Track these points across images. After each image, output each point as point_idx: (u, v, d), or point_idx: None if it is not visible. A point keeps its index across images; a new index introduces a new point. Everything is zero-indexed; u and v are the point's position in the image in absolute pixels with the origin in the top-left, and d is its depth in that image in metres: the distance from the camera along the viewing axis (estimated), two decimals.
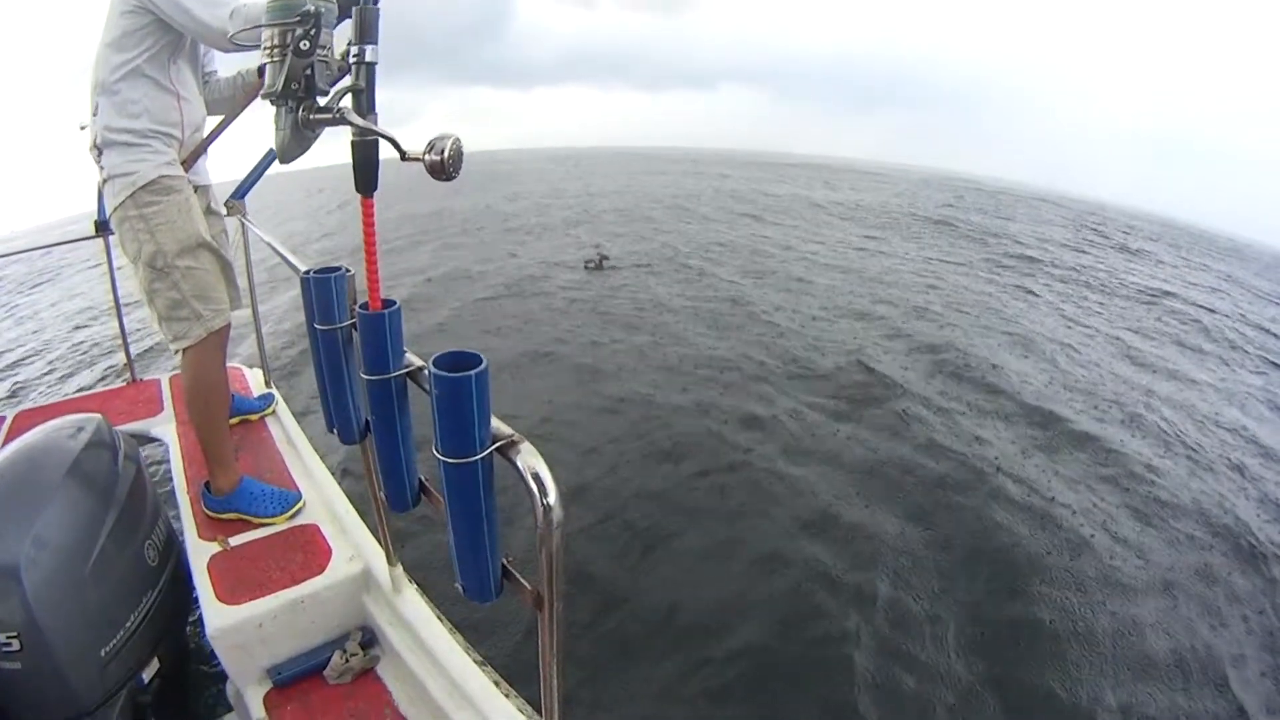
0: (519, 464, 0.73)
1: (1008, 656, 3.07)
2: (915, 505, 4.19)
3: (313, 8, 0.90)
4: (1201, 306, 12.20)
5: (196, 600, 1.53)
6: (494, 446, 0.76)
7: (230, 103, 1.87)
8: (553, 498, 0.71)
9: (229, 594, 1.50)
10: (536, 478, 0.72)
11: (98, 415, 1.60)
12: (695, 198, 22.30)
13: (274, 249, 1.57)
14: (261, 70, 1.60)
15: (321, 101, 0.95)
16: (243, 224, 2.15)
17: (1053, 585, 3.57)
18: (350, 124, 0.87)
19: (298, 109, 0.94)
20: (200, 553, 1.65)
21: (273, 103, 0.94)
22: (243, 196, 2.12)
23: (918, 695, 2.83)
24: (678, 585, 3.33)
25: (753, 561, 3.55)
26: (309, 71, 0.92)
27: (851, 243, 14.73)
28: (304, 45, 0.90)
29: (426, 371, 0.85)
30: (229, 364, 2.43)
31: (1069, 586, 3.57)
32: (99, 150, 1.62)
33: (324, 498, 1.89)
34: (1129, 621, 3.40)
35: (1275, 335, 11.07)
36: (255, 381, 2.74)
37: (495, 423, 0.78)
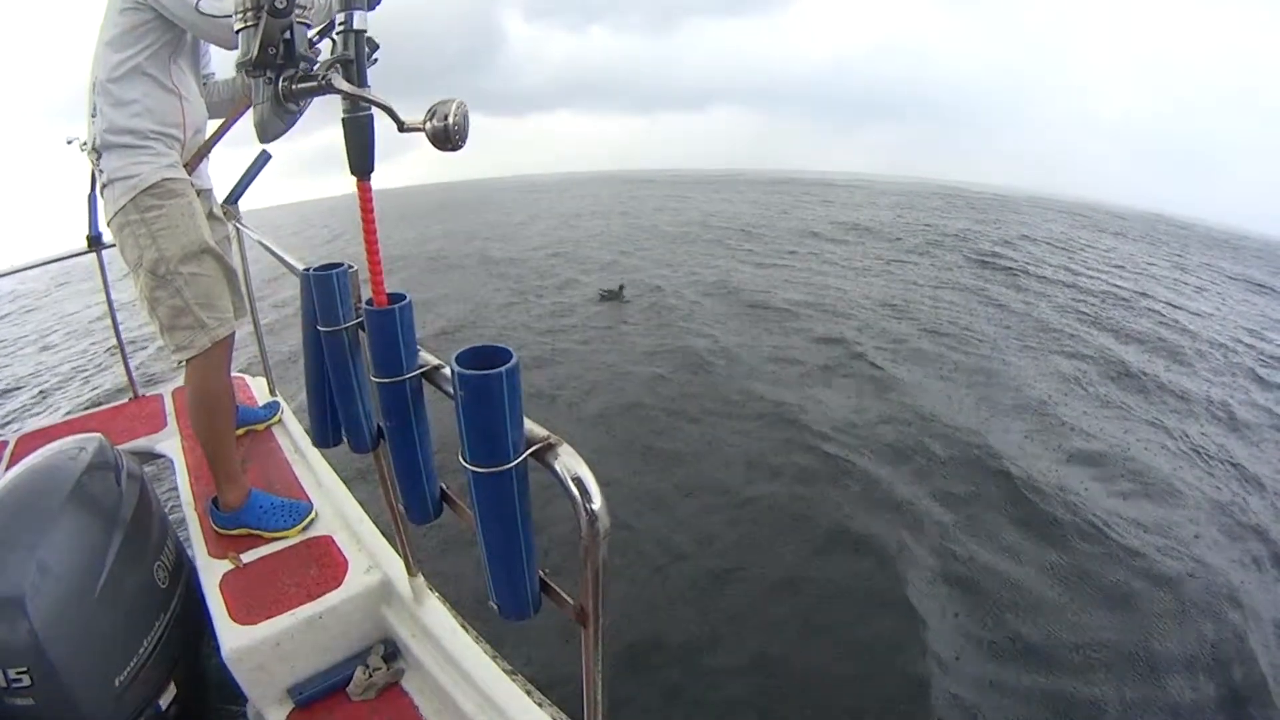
0: (558, 468, 0.68)
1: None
2: (906, 513, 4.24)
3: None
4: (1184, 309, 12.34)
5: (211, 621, 1.50)
6: (529, 451, 0.70)
7: (229, 105, 1.82)
8: (597, 503, 0.66)
9: (244, 613, 1.46)
10: (579, 482, 0.66)
11: (98, 435, 1.56)
12: (686, 223, 22.13)
13: (271, 251, 1.52)
14: None
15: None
16: (237, 228, 2.10)
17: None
18: (339, 92, 0.79)
19: (277, 79, 0.84)
20: (211, 572, 1.62)
21: (248, 74, 0.85)
22: (236, 201, 2.07)
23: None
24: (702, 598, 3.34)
25: (772, 577, 3.56)
26: (288, 35, 0.82)
27: (834, 256, 14.69)
28: (280, 3, 0.79)
29: (447, 370, 0.79)
30: (232, 373, 2.41)
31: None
32: (98, 153, 1.57)
33: (336, 507, 1.85)
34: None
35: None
36: (259, 390, 2.70)
37: (528, 423, 0.72)
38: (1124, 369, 7.68)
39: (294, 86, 0.84)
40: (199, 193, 1.75)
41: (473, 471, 0.71)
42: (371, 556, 1.62)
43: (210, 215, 1.84)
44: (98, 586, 1.29)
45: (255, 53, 0.81)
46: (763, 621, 3.19)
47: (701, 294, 10.40)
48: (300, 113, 0.89)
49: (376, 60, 1.79)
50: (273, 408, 2.41)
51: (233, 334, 1.74)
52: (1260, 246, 35.35)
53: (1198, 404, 6.91)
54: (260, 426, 2.34)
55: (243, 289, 1.91)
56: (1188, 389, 7.31)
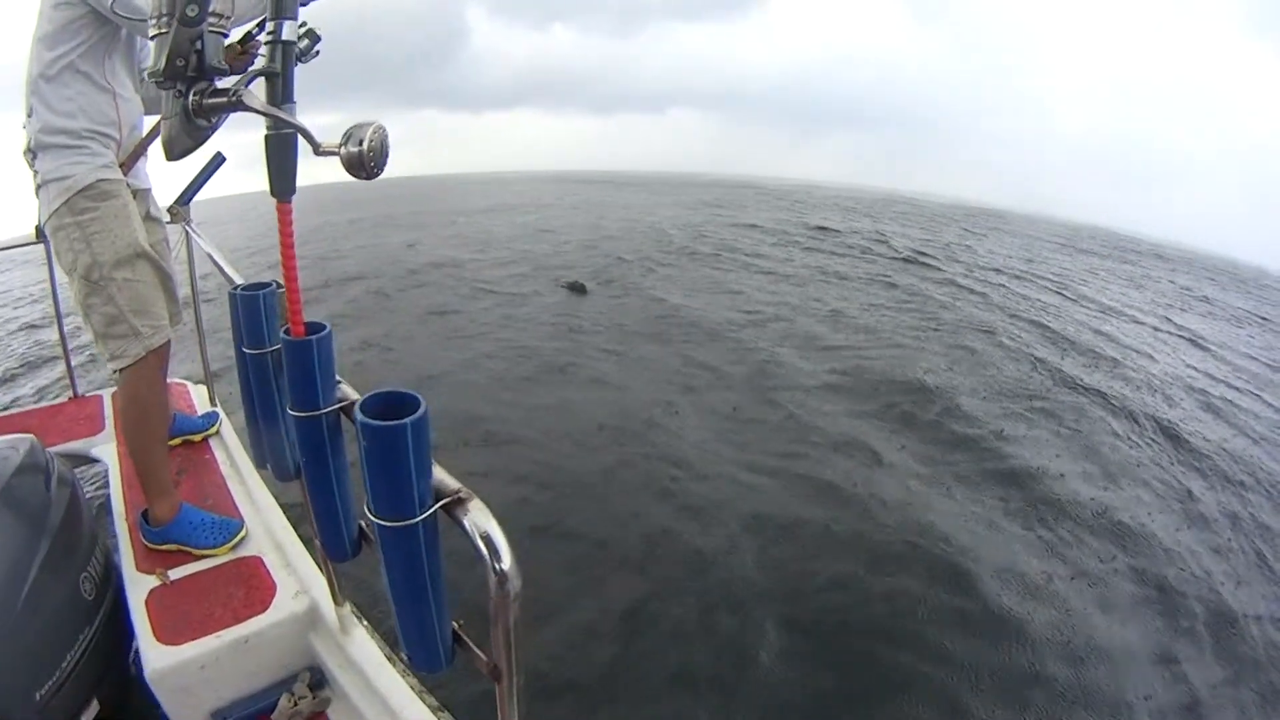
0: (466, 525, 0.70)
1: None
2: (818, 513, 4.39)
3: None
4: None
5: (136, 638, 1.53)
6: (437, 505, 0.72)
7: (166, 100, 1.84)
8: (507, 563, 0.67)
9: (169, 633, 1.49)
10: (488, 540, 0.68)
11: (29, 436, 1.58)
12: (637, 221, 22.65)
13: (213, 260, 1.54)
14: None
15: (226, 84, 0.83)
16: (186, 231, 2.13)
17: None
18: (250, 109, 0.78)
19: (187, 92, 0.82)
20: (138, 586, 1.64)
21: (159, 85, 0.82)
22: (187, 202, 2.09)
23: None
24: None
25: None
26: (199, 46, 0.79)
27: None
28: (190, 11, 0.76)
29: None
30: (172, 379, 2.38)
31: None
32: (33, 154, 1.61)
33: (267, 527, 1.88)
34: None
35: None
36: (199, 398, 2.72)
37: (439, 474, 0.74)
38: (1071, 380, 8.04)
39: (204, 101, 0.82)
40: (136, 193, 1.78)
41: (378, 524, 0.73)
42: (300, 581, 1.66)
43: (148, 216, 1.87)
44: (21, 596, 1.31)
45: (163, 64, 0.79)
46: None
47: (646, 297, 10.87)
48: (214, 128, 0.88)
49: (318, 53, 1.81)
50: (211, 418, 2.43)
51: (169, 343, 1.77)
52: (1222, 264, 39.47)
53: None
54: (197, 437, 2.36)
55: (179, 293, 1.94)
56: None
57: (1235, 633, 3.93)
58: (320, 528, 0.99)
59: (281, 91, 0.79)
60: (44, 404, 2.88)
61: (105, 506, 2.04)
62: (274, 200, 0.82)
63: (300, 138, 0.79)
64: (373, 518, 0.73)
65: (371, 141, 0.73)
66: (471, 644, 0.82)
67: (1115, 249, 32.94)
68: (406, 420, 0.68)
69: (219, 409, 2.54)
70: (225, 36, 0.85)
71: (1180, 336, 12.39)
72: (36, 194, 1.66)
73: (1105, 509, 4.98)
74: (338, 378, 0.92)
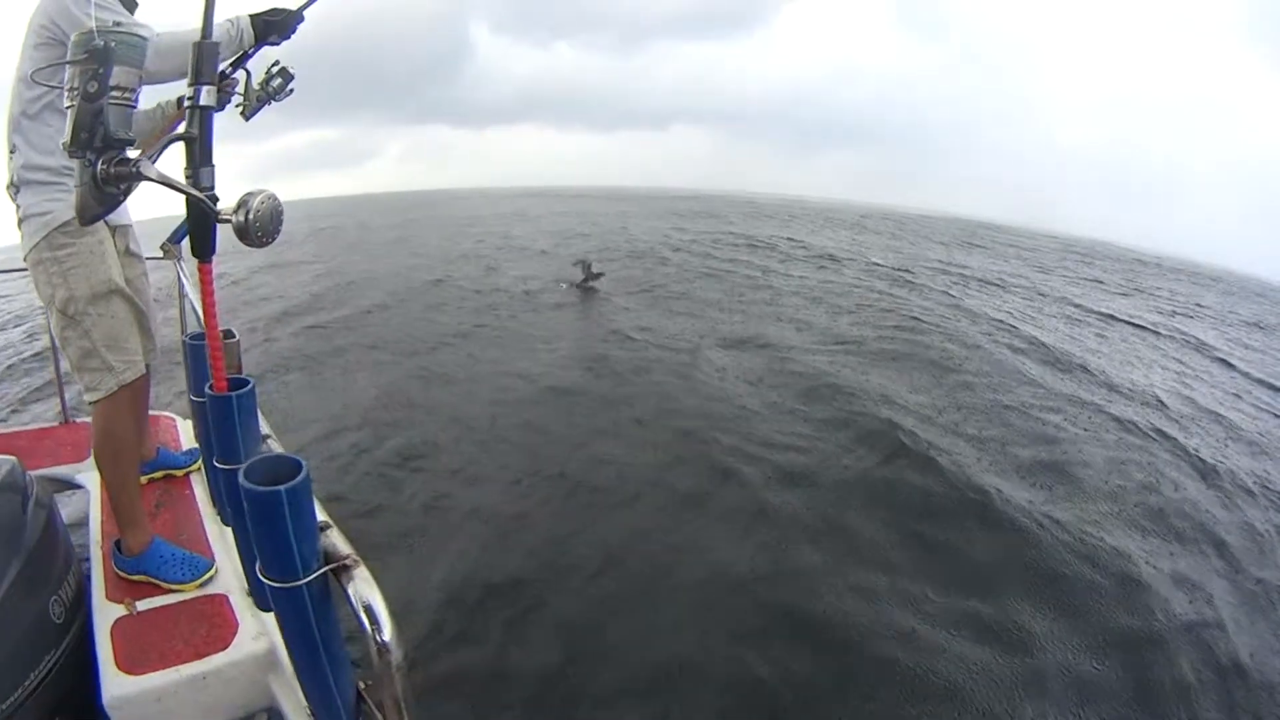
0: (350, 592, 0.71)
1: None
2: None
3: (101, 44, 0.83)
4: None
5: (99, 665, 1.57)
6: (322, 570, 0.73)
7: (148, 137, 1.93)
8: (388, 634, 0.68)
9: (130, 663, 1.52)
10: (369, 610, 0.68)
11: (11, 458, 1.64)
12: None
13: (191, 304, 1.59)
14: (180, 101, 1.65)
15: (134, 154, 0.89)
16: (178, 269, 2.20)
17: None
18: (148, 179, 0.83)
19: (96, 161, 0.87)
20: (106, 614, 1.68)
21: (70, 155, 0.88)
22: (180, 240, 2.16)
23: None
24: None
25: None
26: (103, 119, 0.85)
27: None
28: (91, 88, 0.82)
29: None
30: (162, 412, 2.48)
31: None
32: (15, 188, 1.69)
33: (236, 566, 1.87)
34: None
35: None
36: (186, 432, 2.76)
37: (334, 537, 0.75)
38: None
39: (112, 170, 0.87)
40: (115, 229, 1.85)
41: (266, 583, 0.74)
42: (262, 623, 1.66)
43: (127, 252, 1.95)
44: None
45: (69, 137, 0.85)
46: None
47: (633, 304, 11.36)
48: (124, 194, 0.92)
49: (292, 90, 1.86)
50: (194, 454, 2.45)
51: (144, 377, 1.83)
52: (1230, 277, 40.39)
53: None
54: (179, 472, 2.39)
55: (156, 329, 2.00)
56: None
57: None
58: (247, 576, 1.01)
59: (200, 155, 0.84)
60: (33, 426, 2.98)
61: (85, 533, 2.11)
62: (195, 260, 0.88)
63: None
64: (262, 578, 0.75)
65: (258, 211, 0.78)
66: (372, 706, 0.82)
67: (1117, 261, 34.20)
68: (281, 488, 0.70)
69: None
70: (132, 107, 0.90)
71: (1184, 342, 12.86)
72: (19, 227, 1.74)
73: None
74: (266, 431, 0.95)
